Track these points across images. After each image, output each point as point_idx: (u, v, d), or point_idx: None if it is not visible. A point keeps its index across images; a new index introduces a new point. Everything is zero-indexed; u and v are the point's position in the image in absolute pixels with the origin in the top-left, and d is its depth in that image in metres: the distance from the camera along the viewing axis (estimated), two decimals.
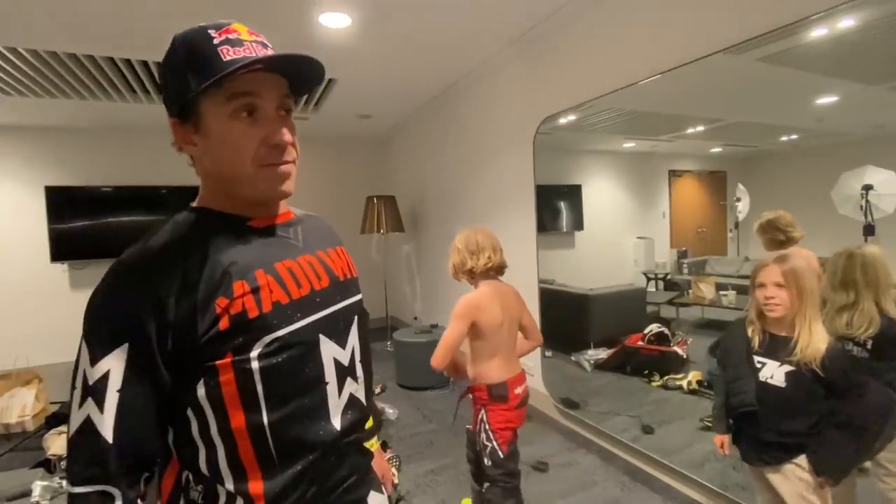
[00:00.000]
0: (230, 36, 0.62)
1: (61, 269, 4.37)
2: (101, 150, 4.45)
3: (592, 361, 3.35)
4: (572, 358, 3.39)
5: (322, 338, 0.69)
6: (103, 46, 2.56)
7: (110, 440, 0.55)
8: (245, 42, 0.62)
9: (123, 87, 3.37)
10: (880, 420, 1.22)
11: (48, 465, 2.44)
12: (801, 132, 2.23)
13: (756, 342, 1.37)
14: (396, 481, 2.25)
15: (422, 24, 2.64)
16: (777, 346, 1.33)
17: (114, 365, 0.55)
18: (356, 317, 0.78)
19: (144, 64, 2.99)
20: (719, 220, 2.87)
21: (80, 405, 0.55)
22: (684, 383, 2.77)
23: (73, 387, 0.56)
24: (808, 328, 1.26)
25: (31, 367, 3.50)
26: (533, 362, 3.14)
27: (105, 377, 0.55)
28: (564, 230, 3.50)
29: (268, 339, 0.62)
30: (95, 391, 0.55)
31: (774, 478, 1.34)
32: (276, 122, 0.65)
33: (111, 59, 2.86)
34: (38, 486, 2.18)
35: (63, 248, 4.21)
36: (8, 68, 2.91)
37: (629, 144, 3.44)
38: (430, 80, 3.67)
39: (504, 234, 3.37)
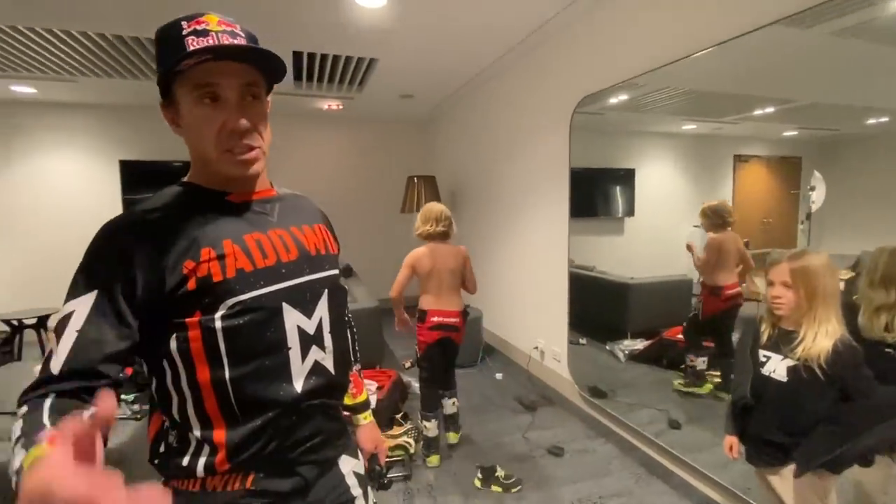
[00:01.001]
0: (198, 27, 0.67)
1: None
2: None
3: (627, 352, 3.25)
4: (607, 347, 3.31)
5: (285, 306, 0.73)
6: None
7: (55, 372, 0.59)
8: (211, 32, 0.67)
9: None
10: (870, 419, 1.13)
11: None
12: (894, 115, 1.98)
13: (765, 336, 1.33)
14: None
15: (456, 4, 2.61)
16: (783, 340, 1.28)
17: (79, 307, 0.61)
18: (326, 290, 0.81)
19: None
20: (789, 211, 2.63)
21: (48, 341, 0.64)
22: (732, 380, 2.63)
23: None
24: (815, 328, 1.19)
25: None
26: (559, 348, 3.11)
27: (69, 318, 0.61)
28: (613, 215, 3.36)
29: (230, 301, 0.68)
30: (57, 329, 0.61)
31: (774, 480, 1.29)
32: (236, 109, 0.69)
33: None
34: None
35: None
36: (81, 50, 3.21)
37: (689, 126, 3.20)
38: (469, 60, 3.63)
39: (536, 217, 3.34)
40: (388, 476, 1.00)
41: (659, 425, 2.45)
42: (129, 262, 0.64)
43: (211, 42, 0.66)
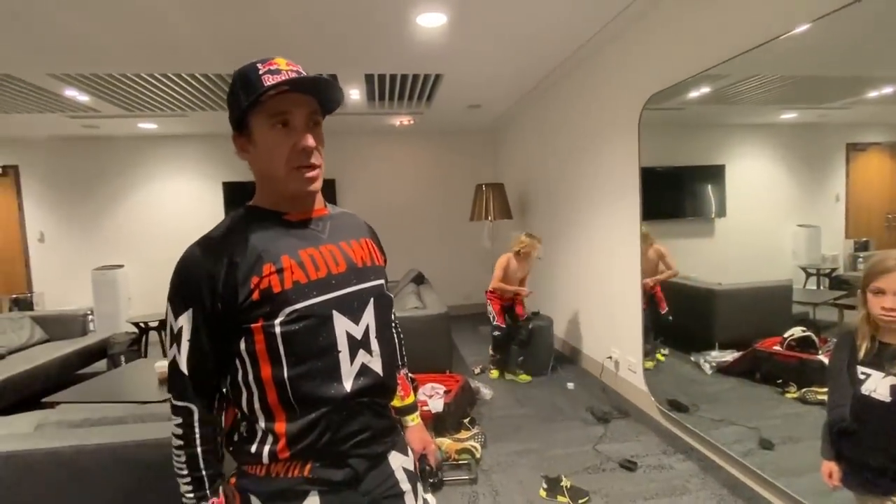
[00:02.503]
0: (271, 68, 0.79)
1: None
2: None
3: (714, 364, 2.99)
4: (691, 358, 3.07)
5: (335, 313, 0.82)
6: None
7: (186, 372, 0.79)
8: (282, 71, 0.79)
9: None
10: None
11: None
12: None
13: (863, 351, 1.19)
14: (439, 457, 2.36)
15: (513, 15, 2.64)
16: (884, 356, 1.15)
17: (184, 322, 0.78)
18: (373, 299, 0.89)
19: None
20: None
21: (170, 347, 0.81)
22: (827, 400, 2.33)
23: (167, 334, 0.82)
24: None
25: None
26: (634, 358, 2.95)
27: (181, 330, 0.78)
28: (702, 216, 3.14)
29: (288, 310, 0.78)
30: (176, 339, 0.79)
31: None
32: (303, 132, 0.81)
33: None
34: None
35: None
36: (190, 89, 3.71)
37: (788, 115, 2.90)
38: (532, 66, 3.63)
39: (606, 220, 3.22)
40: (440, 476, 0.99)
41: (748, 444, 2.23)
42: (211, 281, 0.77)
43: (283, 78, 0.78)
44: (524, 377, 3.54)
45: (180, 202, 5.46)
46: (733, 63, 2.07)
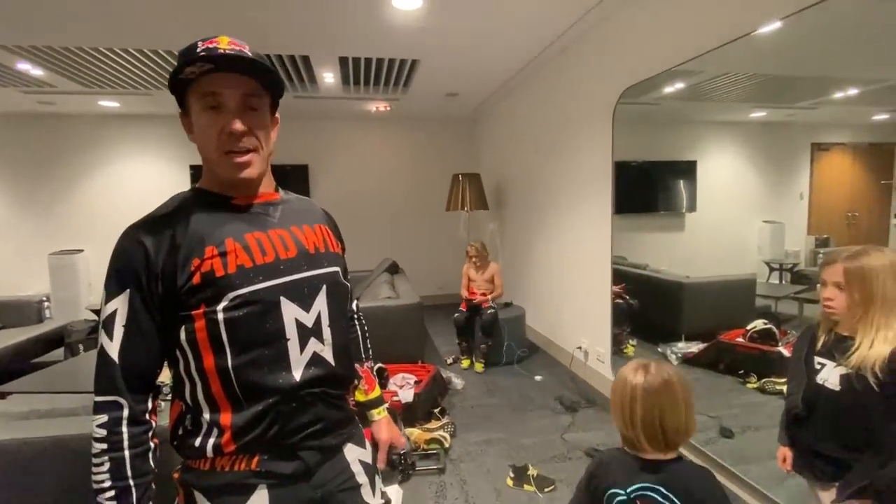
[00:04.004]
0: (209, 46, 0.74)
1: None
2: None
3: (681, 355, 3.07)
4: (658, 349, 3.15)
5: (283, 300, 0.78)
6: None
7: (117, 361, 0.72)
8: (219, 50, 0.74)
9: None
10: None
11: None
12: None
13: (821, 342, 1.23)
14: (405, 449, 2.35)
15: (491, 2, 2.60)
16: (838, 347, 1.18)
17: (119, 305, 0.73)
18: (325, 286, 0.85)
19: (279, 57, 3.38)
20: (880, 204, 2.38)
21: (99, 334, 0.75)
22: (786, 388, 2.42)
23: (97, 322, 0.75)
24: (871, 335, 1.07)
25: None
26: (603, 348, 3.00)
27: (114, 314, 0.73)
28: (673, 211, 3.19)
29: (231, 295, 0.74)
30: (107, 325, 0.73)
31: (824, 496, 1.18)
32: (233, 115, 0.76)
33: None
34: None
35: None
36: (154, 67, 3.53)
37: (758, 114, 2.96)
38: (509, 57, 3.61)
39: (578, 212, 3.24)
40: (408, 464, 0.99)
41: (709, 433, 2.30)
42: (148, 261, 0.73)
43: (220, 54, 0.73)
44: (479, 366, 3.55)
45: (145, 185, 5.23)
46: (706, 59, 2.08)
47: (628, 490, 0.95)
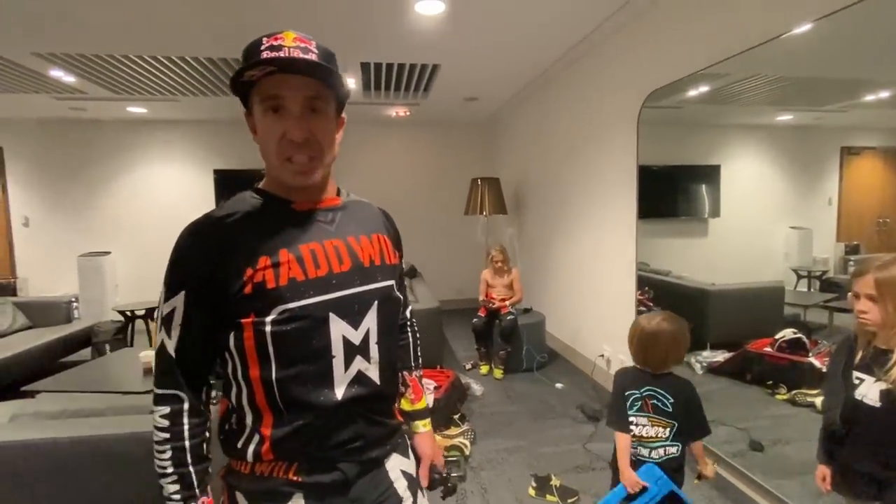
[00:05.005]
0: (274, 43, 0.72)
1: None
2: None
3: (706, 364, 2.99)
4: (683, 358, 3.07)
5: (332, 316, 0.76)
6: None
7: (174, 357, 0.74)
8: (284, 47, 0.71)
9: None
10: None
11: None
12: None
13: (859, 356, 1.18)
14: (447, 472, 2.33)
15: (513, 6, 2.59)
16: (877, 361, 1.13)
17: (178, 304, 0.73)
18: (377, 302, 0.81)
19: None
20: None
21: (159, 332, 0.76)
22: (818, 400, 2.33)
23: (156, 318, 0.77)
24: None
25: None
26: (626, 356, 2.94)
27: (171, 314, 0.73)
28: (696, 216, 3.12)
29: (280, 308, 0.72)
30: (166, 322, 0.74)
31: None
32: (295, 120, 0.73)
33: None
34: None
35: None
36: (181, 73, 3.61)
37: (785, 117, 2.88)
38: (531, 60, 3.58)
39: (602, 217, 3.19)
40: (449, 478, 0.97)
41: (737, 445, 2.23)
42: (207, 264, 0.72)
43: (282, 56, 0.70)
44: (498, 372, 3.51)
45: (170, 189, 5.35)
46: (734, 61, 2.04)
47: (641, 391, 1.50)
